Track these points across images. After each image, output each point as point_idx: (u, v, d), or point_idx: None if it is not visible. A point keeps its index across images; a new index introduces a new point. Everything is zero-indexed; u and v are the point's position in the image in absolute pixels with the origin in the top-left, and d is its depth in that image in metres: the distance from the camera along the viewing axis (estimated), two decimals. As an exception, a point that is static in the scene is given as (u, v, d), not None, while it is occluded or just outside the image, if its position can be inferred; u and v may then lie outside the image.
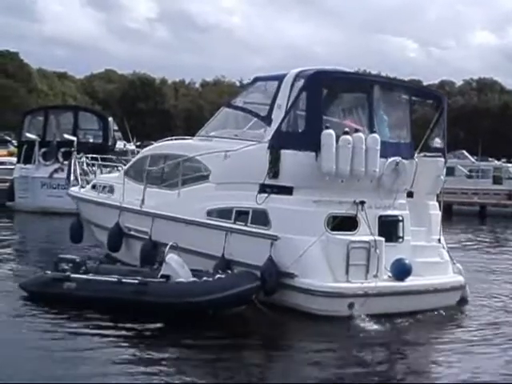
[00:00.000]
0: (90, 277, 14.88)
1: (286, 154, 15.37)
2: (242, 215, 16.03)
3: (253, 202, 15.71)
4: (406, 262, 15.28)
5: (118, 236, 19.21)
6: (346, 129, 15.48)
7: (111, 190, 20.71)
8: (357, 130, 15.50)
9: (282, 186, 15.48)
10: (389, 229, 15.80)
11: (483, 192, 50.66)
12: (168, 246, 14.90)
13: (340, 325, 14.02)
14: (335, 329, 13.83)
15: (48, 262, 17.21)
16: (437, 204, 17.43)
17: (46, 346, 11.99)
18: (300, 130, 15.83)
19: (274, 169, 15.37)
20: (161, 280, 14.35)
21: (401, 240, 15.99)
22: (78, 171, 23.23)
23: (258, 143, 16.07)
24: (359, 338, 13.44)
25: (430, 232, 16.85)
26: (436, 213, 17.20)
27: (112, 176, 22.31)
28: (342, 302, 14.47)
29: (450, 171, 51.09)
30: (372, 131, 15.73)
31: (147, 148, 21.82)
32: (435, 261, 16.33)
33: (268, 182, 15.53)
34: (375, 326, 13.89)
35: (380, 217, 15.73)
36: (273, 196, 15.52)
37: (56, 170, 34.82)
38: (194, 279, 14.34)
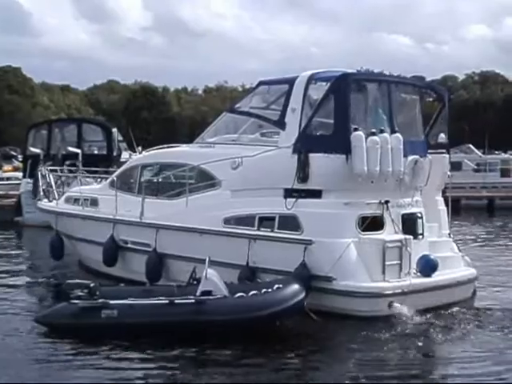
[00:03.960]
0: (133, 301, 13.72)
1: (315, 158, 15.37)
2: (266, 221, 15.94)
3: (278, 207, 15.70)
4: (432, 258, 15.60)
5: (113, 250, 18.74)
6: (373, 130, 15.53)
7: (94, 202, 20.23)
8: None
9: (311, 190, 15.46)
10: (410, 226, 16.00)
11: (491, 185, 50.46)
12: (207, 261, 14.19)
13: (382, 324, 14.02)
14: (381, 329, 13.80)
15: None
16: (443, 199, 17.64)
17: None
18: (329, 133, 15.82)
19: (303, 173, 15.35)
20: (219, 297, 13.69)
21: (421, 237, 16.15)
22: (44, 183, 22.89)
23: (277, 148, 16.06)
24: (408, 335, 13.54)
25: (441, 227, 17.13)
26: (443, 208, 17.47)
27: (92, 188, 21.54)
28: (383, 302, 14.58)
29: (457, 166, 50.95)
30: (393, 131, 15.82)
31: (135, 158, 21.29)
32: (448, 255, 16.62)
33: (296, 186, 15.47)
34: (418, 322, 14.11)
35: (403, 215, 15.93)
36: (301, 200, 15.49)
37: (68, 184, 34.75)
38: (255, 292, 13.76)
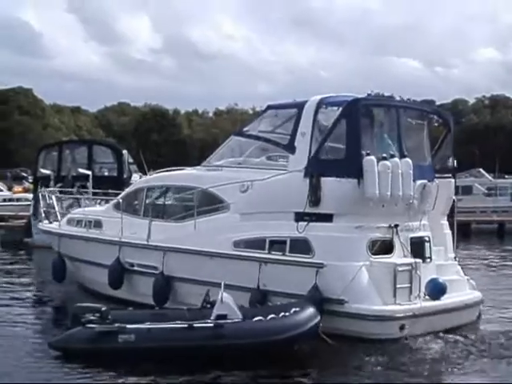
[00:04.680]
0: (151, 326, 13.46)
1: (327, 182, 15.46)
2: (276, 244, 15.98)
3: (288, 230, 15.75)
4: (441, 281, 15.68)
5: (119, 272, 18.65)
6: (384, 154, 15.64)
7: (98, 224, 20.15)
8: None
9: (323, 214, 15.52)
10: (418, 250, 16.05)
11: (502, 210, 50.31)
12: (222, 285, 14.09)
13: (393, 348, 14.08)
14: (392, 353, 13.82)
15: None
16: (448, 223, 17.73)
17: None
18: (340, 157, 15.90)
19: (315, 196, 15.43)
20: (237, 321, 13.62)
21: (429, 260, 16.19)
22: (45, 205, 22.83)
23: (287, 172, 16.13)
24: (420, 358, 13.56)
25: (447, 250, 17.21)
26: (449, 232, 17.57)
27: (95, 210, 21.48)
28: (394, 325, 14.67)
29: (468, 190, 50.90)
30: (402, 155, 15.92)
31: (140, 180, 21.18)
32: (454, 278, 16.68)
33: (308, 210, 15.53)
34: (428, 346, 14.12)
35: (411, 238, 16.01)
36: (312, 224, 15.55)
37: (71, 205, 34.79)
38: (273, 316, 13.67)
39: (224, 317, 13.60)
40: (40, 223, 23.17)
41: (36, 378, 12.48)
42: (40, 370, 12.87)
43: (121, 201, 19.64)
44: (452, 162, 18.13)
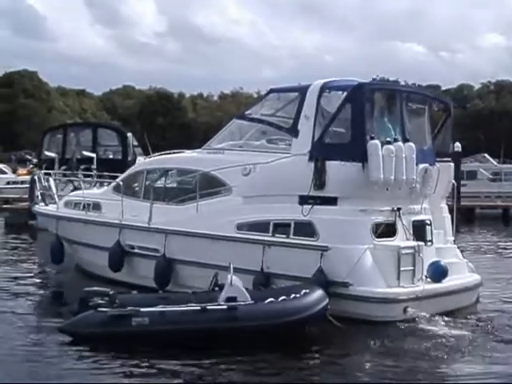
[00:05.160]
0: (164, 309, 13.33)
1: (332, 165, 15.52)
2: (280, 227, 16.06)
3: (292, 213, 15.84)
4: (442, 264, 15.84)
5: (119, 255, 18.66)
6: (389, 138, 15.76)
7: (97, 207, 20.13)
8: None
9: (327, 197, 15.61)
10: (420, 233, 16.20)
11: (506, 195, 50.26)
12: (231, 268, 14.08)
13: (397, 330, 14.21)
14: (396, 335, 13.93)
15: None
16: (447, 206, 17.94)
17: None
18: (345, 141, 16.01)
19: (320, 180, 15.52)
20: (250, 303, 13.56)
21: (430, 243, 16.33)
22: (41, 188, 22.77)
23: (292, 155, 16.19)
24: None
25: (446, 234, 17.38)
26: (448, 215, 17.76)
27: (94, 192, 21.34)
28: (398, 307, 14.77)
29: (473, 175, 50.86)
30: (405, 140, 16.03)
31: (140, 163, 21.08)
32: (453, 261, 16.81)
33: (312, 193, 15.63)
34: (432, 328, 14.20)
35: (413, 222, 16.17)
36: (317, 207, 15.64)
37: (76, 188, 34.78)
38: (284, 298, 13.70)
39: (234, 299, 13.59)
40: (36, 205, 23.11)
41: (51, 364, 12.26)
42: (52, 356, 12.64)
43: (121, 183, 19.62)
44: (451, 147, 18.27)
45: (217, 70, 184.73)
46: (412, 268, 15.23)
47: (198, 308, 13.25)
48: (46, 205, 22.39)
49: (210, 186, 17.51)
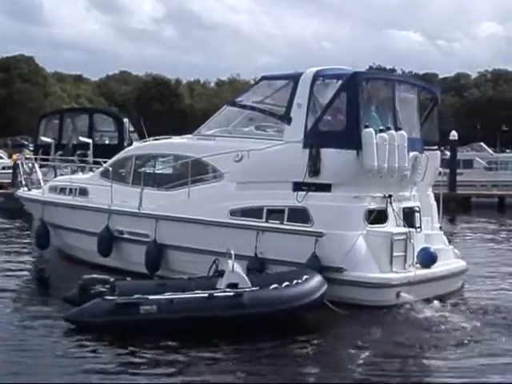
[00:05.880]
0: (172, 296, 13.27)
1: (327, 153, 15.76)
2: (274, 213, 16.25)
3: (286, 200, 16.05)
4: (432, 250, 16.18)
5: (108, 240, 18.73)
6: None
7: (84, 192, 20.18)
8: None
9: (322, 184, 15.81)
10: (410, 219, 16.48)
11: (502, 184, 50.29)
12: (232, 254, 14.16)
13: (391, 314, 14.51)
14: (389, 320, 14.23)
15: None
16: (433, 194, 18.26)
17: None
18: (340, 129, 16.19)
19: (315, 167, 15.71)
20: (254, 289, 13.60)
21: (419, 230, 16.61)
22: (24, 173, 22.93)
23: (285, 142, 16.33)
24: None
25: (433, 220, 17.71)
26: (434, 202, 18.09)
27: (80, 178, 21.45)
28: (391, 292, 15.09)
29: (469, 164, 50.91)
30: (397, 128, 16.27)
31: (129, 148, 20.99)
32: (440, 247, 17.10)
33: (307, 179, 15.80)
34: (424, 313, 14.48)
35: (403, 209, 16.44)
36: (311, 193, 15.86)
37: (72, 173, 34.69)
38: (287, 283, 13.74)
39: (235, 285, 13.71)
40: (19, 190, 23.13)
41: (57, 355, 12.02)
42: (57, 346, 12.48)
43: (110, 169, 19.61)
44: (437, 135, 18.96)
45: (214, 56, 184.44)
46: (404, 254, 15.54)
47: (206, 295, 13.21)
48: (29, 190, 22.41)
49: (201, 171, 17.67)
